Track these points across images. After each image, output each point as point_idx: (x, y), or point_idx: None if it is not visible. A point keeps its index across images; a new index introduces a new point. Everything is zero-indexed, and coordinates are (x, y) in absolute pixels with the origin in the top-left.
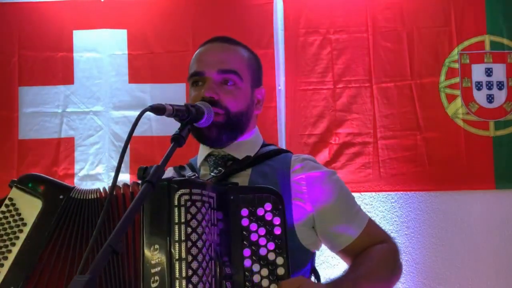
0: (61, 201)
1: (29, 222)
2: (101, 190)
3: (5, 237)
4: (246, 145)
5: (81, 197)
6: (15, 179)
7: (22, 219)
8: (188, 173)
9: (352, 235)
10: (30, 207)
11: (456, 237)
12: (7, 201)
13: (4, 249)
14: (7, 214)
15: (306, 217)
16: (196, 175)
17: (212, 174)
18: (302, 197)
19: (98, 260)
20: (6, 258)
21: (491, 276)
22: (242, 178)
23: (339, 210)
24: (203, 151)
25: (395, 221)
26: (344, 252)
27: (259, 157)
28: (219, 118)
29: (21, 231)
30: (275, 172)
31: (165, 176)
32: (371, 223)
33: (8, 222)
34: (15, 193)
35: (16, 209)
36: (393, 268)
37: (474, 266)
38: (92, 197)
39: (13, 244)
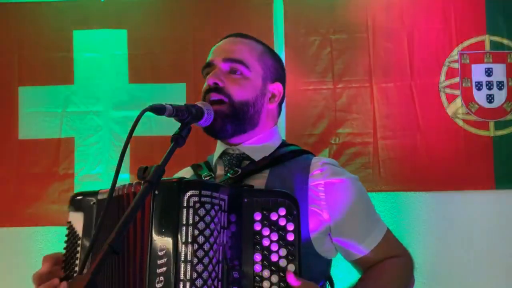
0: (92, 206)
1: (81, 236)
2: (125, 186)
3: (71, 252)
4: (261, 143)
5: (105, 197)
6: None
7: (77, 235)
8: (205, 172)
9: (362, 251)
10: (78, 222)
11: (456, 237)
12: (67, 225)
13: (73, 264)
14: (70, 236)
15: (322, 224)
16: (212, 175)
17: (228, 174)
18: (320, 204)
19: (98, 260)
20: (75, 271)
21: (491, 276)
22: (259, 180)
23: (355, 225)
24: (218, 148)
25: (395, 221)
26: (356, 263)
27: (277, 159)
28: (222, 108)
29: (78, 245)
30: (293, 175)
31: (184, 176)
32: (387, 237)
33: (70, 240)
34: (70, 215)
35: (73, 228)
36: (404, 286)
37: (474, 266)
38: (119, 193)
39: (76, 258)
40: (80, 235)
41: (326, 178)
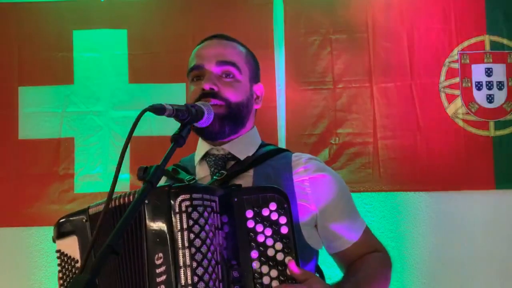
0: (85, 224)
1: (79, 258)
2: (114, 197)
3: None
4: (246, 142)
5: (100, 211)
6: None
7: (74, 259)
8: (186, 176)
9: (351, 239)
10: (73, 246)
11: (456, 237)
12: (57, 255)
13: None
14: (63, 264)
15: (310, 216)
16: (195, 178)
17: (215, 177)
18: (307, 198)
19: (98, 260)
20: None
21: (491, 276)
22: (245, 180)
23: (341, 210)
24: (201, 148)
25: (395, 221)
26: (340, 256)
27: (260, 157)
28: (221, 110)
29: (77, 269)
30: (277, 173)
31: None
32: (368, 231)
33: (67, 269)
34: (58, 244)
35: (66, 255)
36: (387, 278)
37: (474, 266)
38: (112, 205)
39: None
40: (78, 257)
41: (310, 174)
